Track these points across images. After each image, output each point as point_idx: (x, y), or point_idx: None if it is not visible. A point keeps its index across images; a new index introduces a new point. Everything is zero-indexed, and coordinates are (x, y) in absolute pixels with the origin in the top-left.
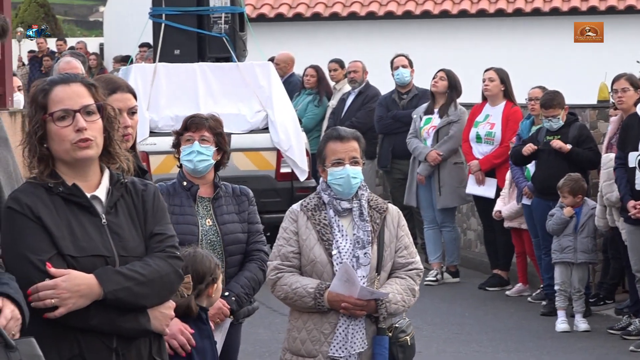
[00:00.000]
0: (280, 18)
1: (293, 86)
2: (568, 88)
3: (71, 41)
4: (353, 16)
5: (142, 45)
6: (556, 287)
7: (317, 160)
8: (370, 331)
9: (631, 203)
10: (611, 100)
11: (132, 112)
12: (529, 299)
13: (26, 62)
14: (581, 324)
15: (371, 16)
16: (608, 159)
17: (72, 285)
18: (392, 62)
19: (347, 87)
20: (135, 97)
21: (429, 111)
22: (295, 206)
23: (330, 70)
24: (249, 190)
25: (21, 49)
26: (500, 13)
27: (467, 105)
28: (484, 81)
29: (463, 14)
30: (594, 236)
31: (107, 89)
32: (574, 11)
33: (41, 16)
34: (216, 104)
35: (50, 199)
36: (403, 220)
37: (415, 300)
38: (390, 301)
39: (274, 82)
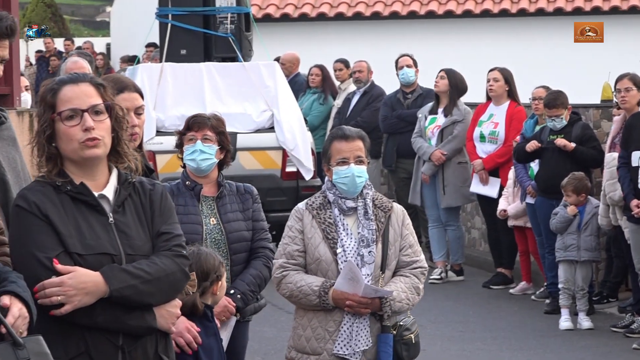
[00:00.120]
0: (285, 18)
1: (298, 86)
2: (572, 88)
3: (78, 41)
4: (358, 16)
5: (148, 45)
6: (560, 286)
7: (322, 159)
8: (374, 329)
9: (634, 202)
10: (614, 99)
11: (138, 111)
12: (532, 297)
13: (33, 62)
14: (584, 322)
15: (376, 16)
16: (611, 158)
17: (78, 283)
18: (396, 62)
19: (352, 87)
20: (142, 96)
21: (433, 111)
22: (301, 205)
23: (335, 70)
24: (253, 188)
25: (28, 49)
26: (504, 13)
27: (472, 105)
28: (488, 81)
29: (467, 14)
30: (598, 234)
31: (114, 89)
32: (578, 11)
33: (48, 16)
34: (222, 104)
35: (58, 197)
36: (408, 219)
37: (420, 298)
38: (395, 299)
39: (280, 81)
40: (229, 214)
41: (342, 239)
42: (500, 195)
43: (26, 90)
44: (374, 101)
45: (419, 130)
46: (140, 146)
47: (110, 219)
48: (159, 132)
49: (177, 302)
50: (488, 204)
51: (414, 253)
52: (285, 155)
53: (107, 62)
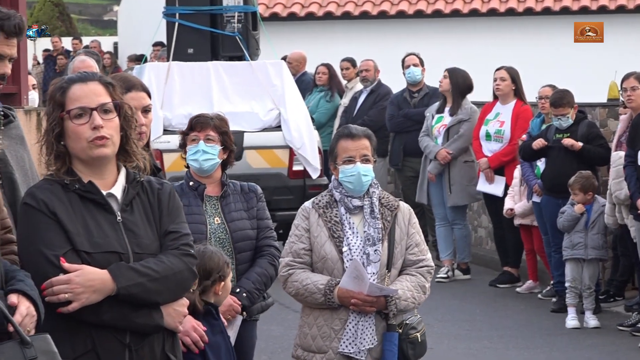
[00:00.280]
0: (292, 17)
1: (305, 84)
2: (577, 86)
3: (85, 40)
4: (365, 15)
5: (155, 44)
6: (567, 284)
7: (328, 157)
8: (380, 327)
9: None
10: (621, 98)
11: (146, 110)
12: (539, 295)
13: (41, 61)
14: (591, 320)
15: (383, 15)
16: (617, 156)
17: (85, 280)
18: (403, 61)
19: (359, 86)
20: (149, 95)
21: (440, 110)
22: (307, 203)
23: (342, 69)
24: (257, 187)
25: (36, 48)
26: (511, 12)
27: (478, 104)
28: (495, 80)
29: (474, 13)
30: (605, 233)
31: (121, 88)
32: (584, 10)
33: (56, 15)
34: (229, 102)
35: (67, 195)
36: (414, 217)
37: (426, 297)
38: (400, 298)
39: (287, 80)
40: (233, 213)
41: (348, 238)
42: (505, 194)
43: (33, 89)
44: (381, 100)
45: (426, 129)
46: (147, 145)
47: (118, 218)
48: (166, 131)
49: (185, 301)
50: (493, 203)
51: (420, 252)
52: (292, 154)
53: (115, 61)
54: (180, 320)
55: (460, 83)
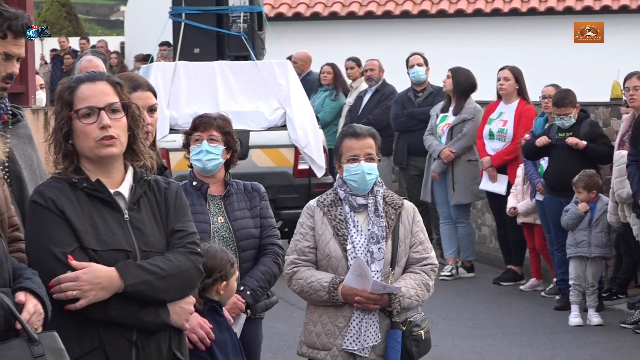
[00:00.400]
0: (298, 17)
1: (310, 84)
2: (581, 86)
3: (93, 40)
4: (369, 15)
5: (162, 44)
6: (570, 282)
7: (333, 156)
8: (384, 325)
9: None
10: (623, 98)
11: (151, 109)
12: (542, 293)
13: (48, 60)
14: (594, 318)
15: (387, 15)
16: (620, 155)
17: (93, 278)
18: (407, 61)
19: (364, 85)
20: (155, 95)
21: (445, 109)
22: (312, 202)
23: (347, 69)
24: (260, 186)
25: (43, 47)
26: (514, 12)
27: (482, 103)
28: (498, 80)
29: (478, 13)
30: (608, 231)
31: (128, 87)
32: (587, 10)
33: (63, 15)
34: (235, 102)
35: (74, 194)
36: (418, 216)
37: (430, 295)
38: (404, 295)
39: (292, 80)
40: (237, 212)
41: (352, 236)
42: (508, 192)
43: (41, 88)
44: (386, 99)
45: (431, 128)
46: (153, 144)
47: (126, 216)
48: (172, 130)
49: (191, 299)
50: (496, 201)
51: (424, 250)
52: (297, 152)
53: (121, 60)
54: (186, 318)
55: (462, 82)
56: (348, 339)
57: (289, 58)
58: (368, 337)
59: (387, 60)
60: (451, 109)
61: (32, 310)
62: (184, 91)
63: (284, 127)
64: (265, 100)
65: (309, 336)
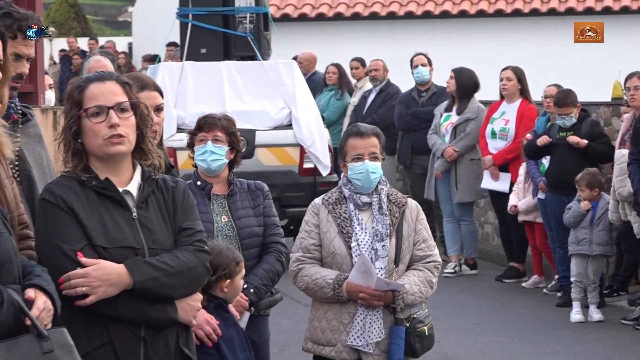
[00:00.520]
0: (303, 18)
1: (316, 84)
2: (583, 86)
3: (101, 40)
4: (374, 16)
5: (169, 45)
6: (572, 279)
7: (338, 155)
8: (387, 321)
9: None
10: (624, 97)
11: (158, 109)
12: (544, 290)
13: (57, 60)
14: (595, 314)
15: (391, 16)
16: (620, 154)
17: (102, 274)
18: (411, 61)
19: (369, 85)
20: (161, 95)
21: (449, 108)
22: (317, 200)
23: (351, 69)
24: (263, 185)
25: (52, 48)
26: (517, 13)
27: (485, 103)
28: (501, 80)
29: (481, 14)
30: (609, 229)
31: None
32: (589, 11)
33: (72, 16)
34: (241, 102)
35: (84, 192)
36: (422, 214)
37: (433, 291)
38: (407, 292)
39: (298, 80)
40: (240, 210)
41: (356, 233)
42: (511, 190)
43: (50, 88)
44: (390, 99)
45: (435, 127)
46: (160, 143)
47: (134, 214)
48: (179, 129)
49: (198, 296)
50: (499, 199)
51: (427, 247)
52: (302, 151)
53: (129, 60)
54: (194, 315)
55: (465, 82)
56: (352, 335)
57: (295, 58)
58: (372, 333)
59: (391, 61)
60: (455, 108)
61: (41, 306)
62: (191, 91)
63: (289, 126)
64: (271, 99)
65: (314, 332)
